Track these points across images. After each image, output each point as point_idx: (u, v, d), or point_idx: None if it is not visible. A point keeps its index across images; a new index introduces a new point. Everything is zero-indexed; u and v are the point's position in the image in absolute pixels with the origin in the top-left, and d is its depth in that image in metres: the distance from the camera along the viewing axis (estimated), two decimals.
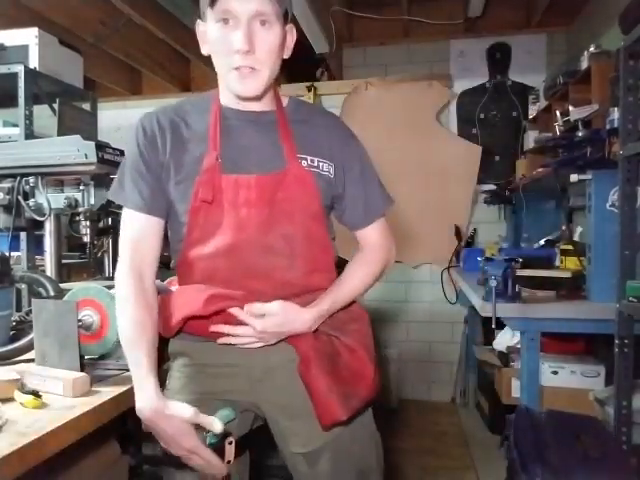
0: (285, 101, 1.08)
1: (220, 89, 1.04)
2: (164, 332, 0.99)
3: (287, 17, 0.98)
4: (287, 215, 0.99)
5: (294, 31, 1.03)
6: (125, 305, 0.94)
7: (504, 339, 2.62)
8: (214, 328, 0.98)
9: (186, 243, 1.00)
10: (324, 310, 1.01)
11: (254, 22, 0.92)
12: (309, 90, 3.57)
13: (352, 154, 1.08)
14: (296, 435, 1.02)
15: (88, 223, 1.49)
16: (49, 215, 1.47)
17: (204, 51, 1.01)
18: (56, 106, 2.21)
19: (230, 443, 0.94)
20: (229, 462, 0.94)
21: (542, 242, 2.77)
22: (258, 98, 1.01)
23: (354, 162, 1.08)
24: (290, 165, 0.99)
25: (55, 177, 1.48)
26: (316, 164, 1.02)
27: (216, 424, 0.85)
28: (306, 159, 1.01)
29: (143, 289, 0.95)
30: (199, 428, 0.88)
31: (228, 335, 0.99)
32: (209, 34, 0.96)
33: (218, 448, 0.94)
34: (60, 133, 2.16)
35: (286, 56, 1.02)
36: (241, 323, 0.97)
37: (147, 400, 0.87)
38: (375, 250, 1.12)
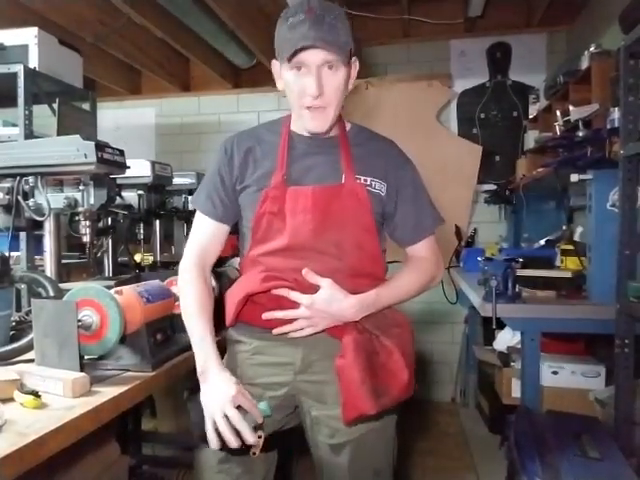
0: (348, 126, 1.22)
1: (292, 118, 1.19)
2: (227, 321, 1.15)
3: (351, 54, 1.11)
4: (339, 224, 1.11)
5: (357, 64, 1.16)
6: (189, 288, 1.12)
7: (504, 339, 2.62)
8: (267, 315, 1.09)
9: (251, 243, 1.15)
10: (369, 300, 1.09)
11: (323, 68, 1.06)
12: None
13: (406, 177, 1.20)
14: (326, 426, 1.13)
15: (88, 223, 1.49)
16: (49, 215, 1.47)
17: (279, 87, 1.15)
18: (55, 106, 2.21)
19: (260, 437, 1.01)
20: (254, 454, 1.02)
21: (542, 242, 2.77)
22: (327, 132, 1.15)
23: (407, 184, 1.20)
24: (346, 181, 1.13)
25: (55, 177, 1.48)
26: (369, 183, 1.15)
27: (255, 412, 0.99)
28: (360, 178, 1.14)
29: (204, 277, 1.15)
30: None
31: (281, 324, 1.09)
32: (284, 77, 1.10)
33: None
34: (59, 133, 2.15)
35: (350, 87, 1.15)
36: (293, 309, 1.08)
37: (213, 359, 1.04)
38: (422, 261, 1.22)
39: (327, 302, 1.06)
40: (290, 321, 1.09)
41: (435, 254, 1.23)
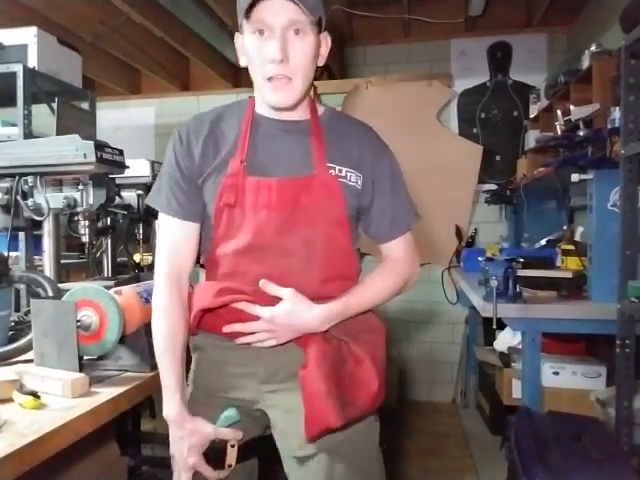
0: (321, 110, 1.09)
1: (256, 99, 1.06)
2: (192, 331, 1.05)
3: (321, 25, 0.99)
4: (309, 219, 0.99)
5: (329, 39, 1.03)
6: (160, 315, 1.00)
7: (505, 339, 2.61)
8: (227, 328, 0.99)
9: (213, 241, 1.03)
10: (335, 310, 1.00)
11: (288, 31, 0.94)
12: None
13: (383, 167, 1.08)
14: (295, 436, 1.00)
15: (87, 223, 1.48)
16: (48, 215, 1.46)
17: (242, 63, 1.03)
18: (55, 105, 2.20)
19: (232, 446, 0.94)
20: (230, 466, 0.94)
21: (543, 242, 2.77)
22: (292, 108, 1.02)
23: (384, 175, 1.07)
24: (317, 171, 1.00)
25: (54, 177, 1.47)
26: (344, 174, 1.03)
27: (234, 435, 0.96)
28: (334, 168, 1.02)
29: (180, 296, 1.01)
30: (212, 410, 0.98)
31: (243, 334, 1.00)
32: (246, 46, 0.98)
33: (219, 451, 0.95)
34: (59, 132, 2.15)
35: (320, 64, 1.03)
36: (253, 320, 0.98)
37: (172, 409, 0.96)
38: (397, 262, 1.11)
39: (288, 315, 0.96)
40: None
41: (411, 254, 1.12)
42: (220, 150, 1.02)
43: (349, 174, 1.03)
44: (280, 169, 1.00)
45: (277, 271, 0.99)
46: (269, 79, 0.96)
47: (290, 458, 1.03)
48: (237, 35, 1.02)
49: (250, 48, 0.96)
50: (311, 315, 0.97)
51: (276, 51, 0.92)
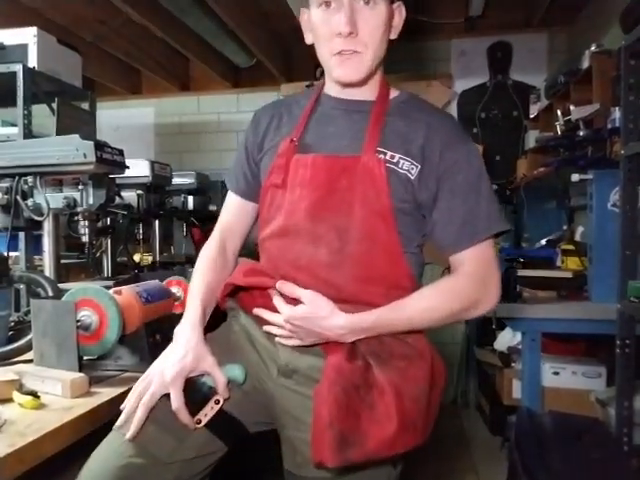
0: (395, 93, 1.02)
1: (326, 78, 1.01)
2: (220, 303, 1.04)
3: None
4: (345, 205, 0.89)
5: (403, 10, 0.95)
6: (200, 259, 1.05)
7: (505, 339, 2.61)
8: (257, 311, 0.96)
9: (259, 224, 1.03)
10: (365, 322, 0.87)
11: (357, 1, 0.87)
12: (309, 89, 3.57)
13: (455, 160, 0.91)
14: (297, 453, 0.88)
15: (87, 223, 1.49)
16: (48, 215, 1.46)
17: (308, 40, 0.98)
18: (55, 105, 2.20)
19: (217, 402, 0.88)
20: (199, 422, 0.88)
21: (543, 242, 2.77)
22: (360, 84, 0.95)
23: (456, 170, 0.91)
24: (364, 154, 0.90)
25: (54, 177, 1.47)
26: (395, 160, 0.90)
27: (225, 391, 0.89)
28: (385, 153, 0.91)
29: (221, 254, 1.04)
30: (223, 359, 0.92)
31: (269, 323, 0.95)
32: (312, 20, 0.92)
33: (200, 397, 0.90)
34: (59, 132, 2.14)
35: (393, 37, 0.96)
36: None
37: (187, 321, 0.95)
38: (462, 279, 0.93)
39: (305, 320, 0.86)
40: None
41: (483, 272, 0.92)
42: (282, 129, 1.00)
43: (401, 161, 0.90)
44: (327, 149, 0.93)
45: (305, 260, 0.90)
46: (337, 53, 0.90)
47: (289, 473, 0.91)
48: (302, 11, 0.97)
49: (316, 22, 0.91)
50: (332, 323, 0.86)
51: (343, 24, 0.86)
